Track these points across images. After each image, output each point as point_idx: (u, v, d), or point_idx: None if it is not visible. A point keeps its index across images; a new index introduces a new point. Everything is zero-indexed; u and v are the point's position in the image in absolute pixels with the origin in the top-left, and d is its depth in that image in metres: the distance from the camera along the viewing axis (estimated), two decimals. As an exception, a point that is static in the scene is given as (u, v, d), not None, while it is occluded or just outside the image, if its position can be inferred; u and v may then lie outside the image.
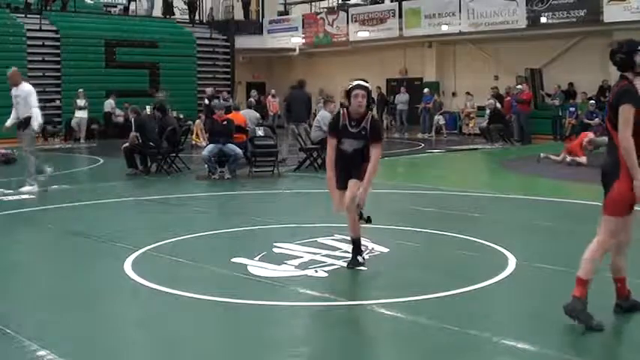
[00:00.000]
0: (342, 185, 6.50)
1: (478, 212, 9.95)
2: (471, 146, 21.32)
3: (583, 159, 15.49)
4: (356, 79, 6.55)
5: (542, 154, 16.34)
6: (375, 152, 6.38)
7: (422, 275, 6.51)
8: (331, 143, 6.57)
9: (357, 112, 6.41)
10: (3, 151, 17.17)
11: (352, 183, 6.46)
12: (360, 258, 6.65)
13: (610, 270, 5.16)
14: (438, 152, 20.19)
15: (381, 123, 27.43)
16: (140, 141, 14.61)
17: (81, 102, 24.24)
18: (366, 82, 6.52)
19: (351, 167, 6.48)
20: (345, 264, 6.66)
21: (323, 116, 15.32)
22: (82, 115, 24.37)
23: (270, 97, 27.38)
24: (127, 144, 14.83)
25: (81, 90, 24.37)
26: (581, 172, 14.35)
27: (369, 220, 6.58)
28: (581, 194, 11.35)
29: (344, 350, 4.72)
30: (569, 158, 15.78)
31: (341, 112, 6.57)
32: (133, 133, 14.85)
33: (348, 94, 6.44)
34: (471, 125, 25.10)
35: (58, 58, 25.89)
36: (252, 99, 21.43)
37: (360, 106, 6.36)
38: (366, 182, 6.33)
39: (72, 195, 11.71)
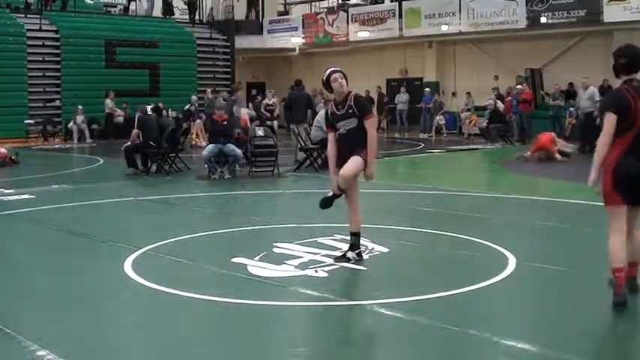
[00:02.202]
0: (340, 166, 6.72)
1: (478, 212, 9.95)
2: (471, 146, 21.32)
3: (558, 156, 16.45)
4: (331, 68, 6.85)
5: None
6: (369, 124, 6.64)
7: (422, 275, 6.51)
8: (330, 137, 6.86)
9: (340, 93, 6.71)
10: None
11: (346, 163, 6.65)
12: (350, 254, 6.72)
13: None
14: (438, 152, 20.19)
15: (381, 122, 27.51)
16: (141, 139, 14.66)
17: (79, 117, 24.50)
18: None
19: (349, 149, 6.64)
20: (345, 264, 6.66)
21: (323, 116, 15.34)
22: (79, 120, 24.53)
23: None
24: (127, 143, 14.87)
25: (80, 107, 24.46)
26: (580, 172, 14.32)
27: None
28: (580, 194, 11.34)
29: (344, 350, 4.72)
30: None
31: (329, 105, 6.94)
32: (135, 130, 14.92)
33: (327, 84, 6.76)
34: (472, 125, 25.10)
35: (58, 58, 25.91)
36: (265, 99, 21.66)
37: (342, 87, 6.68)
38: (369, 158, 6.57)
39: (72, 195, 11.71)
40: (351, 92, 6.73)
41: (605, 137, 5.19)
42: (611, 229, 5.29)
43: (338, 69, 6.78)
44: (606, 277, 5.55)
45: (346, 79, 6.74)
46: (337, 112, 6.72)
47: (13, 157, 16.95)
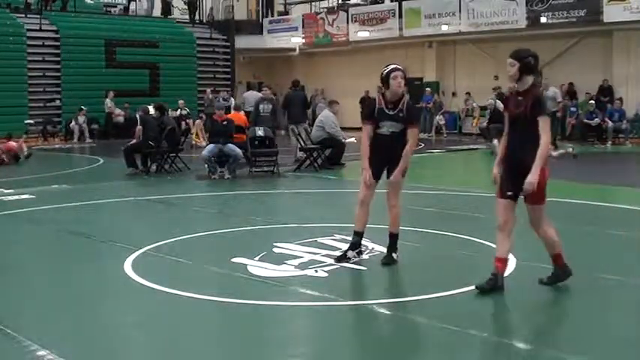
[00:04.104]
0: (375, 170, 6.57)
1: (478, 212, 9.94)
2: (471, 146, 21.31)
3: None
4: (392, 64, 6.69)
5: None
6: (412, 134, 6.58)
7: (422, 275, 6.51)
8: (365, 129, 6.67)
9: (395, 93, 6.55)
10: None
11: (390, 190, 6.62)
12: (350, 253, 6.71)
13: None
14: (438, 152, 20.18)
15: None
16: (141, 138, 14.71)
17: (81, 118, 24.55)
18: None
19: (389, 153, 6.55)
20: (345, 264, 6.66)
21: (326, 116, 15.34)
22: (81, 120, 24.59)
23: None
24: (133, 141, 14.96)
25: (83, 108, 24.50)
26: (580, 173, 14.40)
27: None
28: (580, 194, 11.35)
29: (344, 350, 4.72)
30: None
31: (376, 98, 6.70)
32: (139, 127, 14.99)
33: (385, 78, 6.55)
34: (474, 124, 25.04)
35: (58, 58, 25.89)
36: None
37: (400, 87, 6.52)
38: (402, 163, 6.51)
39: (72, 195, 11.70)
40: (405, 96, 6.61)
41: (550, 139, 5.57)
42: (545, 222, 5.78)
43: (400, 67, 6.62)
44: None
45: (406, 80, 6.65)
46: (386, 111, 6.54)
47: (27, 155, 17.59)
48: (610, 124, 21.06)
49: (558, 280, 5.83)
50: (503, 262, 5.75)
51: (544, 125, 5.51)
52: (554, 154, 16.71)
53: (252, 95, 19.00)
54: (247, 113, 17.62)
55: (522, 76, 5.62)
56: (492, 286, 5.60)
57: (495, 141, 18.40)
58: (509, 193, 5.69)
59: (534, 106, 5.55)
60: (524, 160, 5.51)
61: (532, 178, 5.47)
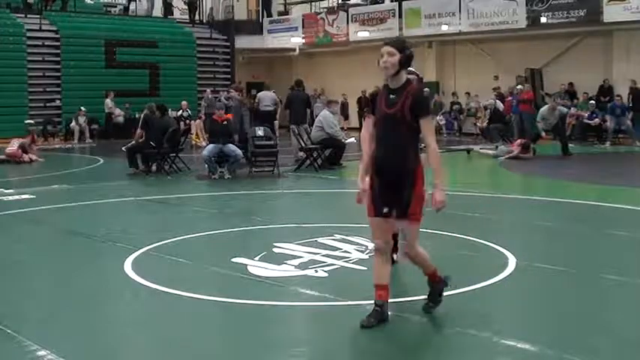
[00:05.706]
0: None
1: (478, 212, 9.94)
2: (471, 146, 21.28)
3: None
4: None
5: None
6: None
7: (422, 275, 6.49)
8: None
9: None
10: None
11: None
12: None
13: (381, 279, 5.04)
14: (438, 152, 20.13)
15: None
16: (143, 139, 14.72)
17: (81, 119, 24.60)
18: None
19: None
20: (345, 264, 6.67)
21: (325, 116, 15.34)
22: (81, 120, 24.62)
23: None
24: (132, 142, 14.92)
25: (83, 109, 24.55)
26: (580, 173, 14.42)
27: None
28: (581, 194, 11.35)
29: (344, 350, 4.72)
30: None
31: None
32: (139, 131, 15.01)
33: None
34: (478, 124, 25.03)
35: (58, 58, 25.91)
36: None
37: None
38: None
39: (72, 195, 11.71)
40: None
41: (435, 143, 4.96)
42: (418, 242, 5.17)
43: (416, 72, 6.45)
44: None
45: (421, 81, 6.60)
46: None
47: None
48: (609, 124, 21.00)
49: (439, 297, 5.21)
50: (387, 289, 5.01)
51: (429, 128, 4.90)
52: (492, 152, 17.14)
53: (266, 95, 19.03)
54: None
55: (399, 71, 4.87)
56: (379, 319, 4.90)
57: (498, 146, 18.50)
58: (386, 210, 4.89)
59: (414, 105, 4.82)
60: (401, 169, 4.85)
61: (440, 196, 4.88)
